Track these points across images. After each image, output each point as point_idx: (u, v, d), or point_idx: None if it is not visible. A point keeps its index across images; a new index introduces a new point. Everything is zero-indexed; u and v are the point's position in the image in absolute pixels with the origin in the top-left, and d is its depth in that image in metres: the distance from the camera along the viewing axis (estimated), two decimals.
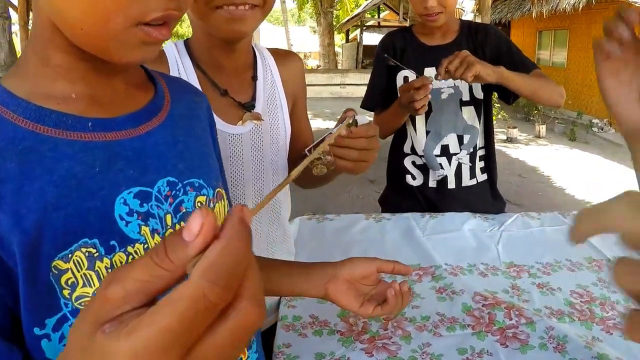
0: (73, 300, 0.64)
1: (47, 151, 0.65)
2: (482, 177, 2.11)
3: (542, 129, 10.81)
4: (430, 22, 1.91)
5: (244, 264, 0.36)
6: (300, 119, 1.48)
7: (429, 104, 1.91)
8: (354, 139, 1.01)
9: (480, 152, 2.08)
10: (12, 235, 0.61)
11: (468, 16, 17.42)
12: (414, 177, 2.11)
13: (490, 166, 2.13)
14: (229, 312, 0.35)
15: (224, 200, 0.89)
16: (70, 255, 0.64)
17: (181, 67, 1.25)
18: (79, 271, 0.65)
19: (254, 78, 1.33)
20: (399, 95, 1.89)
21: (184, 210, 0.77)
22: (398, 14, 13.97)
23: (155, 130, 0.77)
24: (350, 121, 0.96)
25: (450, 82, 1.91)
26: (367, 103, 2.17)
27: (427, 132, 2.02)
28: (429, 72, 1.95)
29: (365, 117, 1.04)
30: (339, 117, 1.05)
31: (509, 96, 2.02)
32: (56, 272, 0.63)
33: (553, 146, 9.98)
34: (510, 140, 10.23)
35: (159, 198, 0.73)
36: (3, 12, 3.04)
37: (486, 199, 2.14)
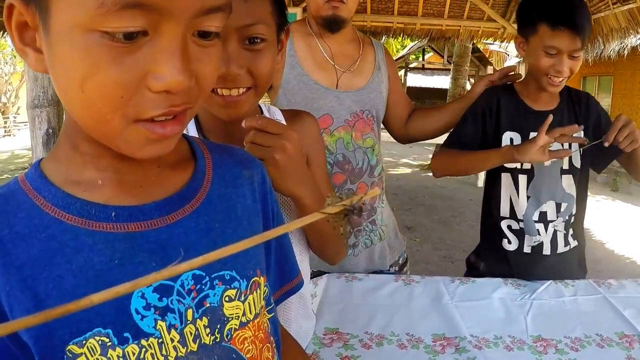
0: None
1: (68, 240, 0.66)
2: (573, 243, 2.09)
3: None
4: (552, 86, 1.89)
5: None
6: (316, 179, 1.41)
7: (532, 168, 1.96)
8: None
9: (572, 220, 2.07)
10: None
11: (512, 60, 17.37)
12: (509, 242, 2.08)
13: (579, 232, 2.11)
14: None
15: (260, 289, 0.82)
16: (84, 342, 0.64)
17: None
18: (92, 356, 0.65)
19: None
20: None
21: (208, 305, 0.73)
22: (442, 56, 14.04)
23: (186, 219, 0.74)
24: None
25: (554, 149, 1.88)
26: (453, 141, 2.10)
27: (528, 198, 2.02)
28: (533, 136, 1.93)
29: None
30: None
31: (602, 165, 2.06)
32: (70, 355, 0.64)
33: (595, 197, 9.77)
34: None
35: (181, 292, 0.71)
36: None
37: (573, 265, 2.12)
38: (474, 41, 10.27)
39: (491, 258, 2.14)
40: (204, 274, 0.73)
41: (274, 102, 1.94)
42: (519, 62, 10.54)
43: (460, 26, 8.00)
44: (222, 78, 1.05)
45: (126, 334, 0.66)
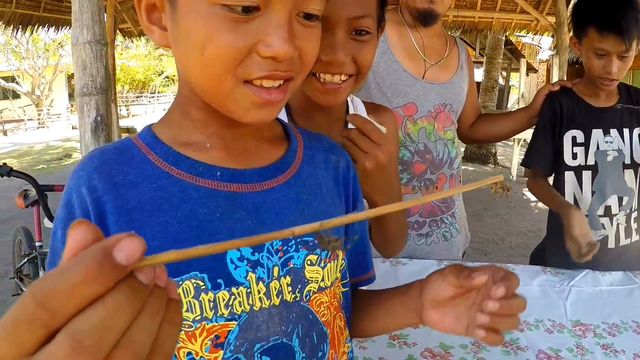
0: None
1: (176, 191, 0.75)
2: (635, 237, 2.13)
3: None
4: (605, 86, 1.97)
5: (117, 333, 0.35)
6: None
7: (596, 164, 2.02)
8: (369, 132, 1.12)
9: (634, 214, 2.11)
10: None
11: (545, 53, 17.14)
12: None
13: None
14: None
15: (337, 260, 0.89)
16: (180, 283, 0.71)
17: None
18: (185, 297, 0.72)
19: None
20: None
21: (291, 266, 0.80)
22: (474, 49, 13.91)
23: (279, 188, 0.82)
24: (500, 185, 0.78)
25: (615, 145, 2.00)
26: (528, 161, 2.19)
27: (593, 193, 2.07)
28: (597, 133, 2.02)
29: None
30: None
31: None
32: None
33: None
34: None
35: (270, 250, 0.78)
36: (101, 38, 3.20)
37: (633, 257, 2.16)
38: (507, 33, 10.19)
39: (557, 253, 2.16)
40: (290, 237, 0.81)
41: (362, 85, 1.99)
42: (551, 56, 10.39)
43: (493, 18, 7.97)
44: (327, 64, 1.11)
45: (219, 280, 0.74)
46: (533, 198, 8.43)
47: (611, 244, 2.08)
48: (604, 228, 2.07)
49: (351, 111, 1.39)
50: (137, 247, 0.35)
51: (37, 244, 3.98)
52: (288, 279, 0.80)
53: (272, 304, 0.78)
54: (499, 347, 1.50)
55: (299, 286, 0.82)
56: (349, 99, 1.40)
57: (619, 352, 1.50)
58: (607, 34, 1.82)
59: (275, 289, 0.79)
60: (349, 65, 1.13)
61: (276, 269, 0.79)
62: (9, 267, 5.15)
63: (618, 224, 2.08)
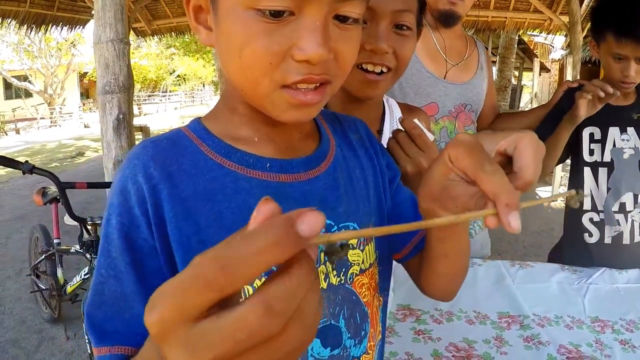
0: None
1: (229, 183, 0.78)
2: None
3: None
4: (625, 89, 2.00)
5: (300, 298, 0.37)
6: None
7: (612, 161, 2.05)
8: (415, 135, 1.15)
9: None
10: (190, 241, 0.74)
11: (557, 53, 17.07)
12: (590, 235, 2.15)
13: None
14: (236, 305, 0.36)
15: (373, 242, 0.93)
16: None
17: None
18: None
19: (380, 132, 1.40)
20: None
21: None
22: (487, 48, 13.88)
23: (322, 176, 0.85)
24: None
25: (632, 142, 2.04)
26: (539, 130, 2.17)
27: (608, 189, 2.09)
28: (613, 131, 2.06)
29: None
30: None
31: None
32: None
33: None
34: None
35: None
36: (124, 37, 3.23)
37: None
38: (520, 33, 10.17)
39: (573, 251, 2.21)
40: (333, 223, 0.85)
41: None
42: (564, 55, 10.37)
43: (506, 17, 7.97)
44: (370, 53, 1.17)
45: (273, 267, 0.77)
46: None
47: (626, 240, 2.10)
48: (619, 224, 2.09)
49: (387, 112, 1.42)
50: (319, 222, 0.36)
51: (55, 241, 3.98)
52: (328, 265, 0.84)
53: (320, 287, 0.81)
54: (521, 342, 1.53)
55: (343, 269, 0.85)
56: (384, 99, 1.43)
57: (637, 348, 1.52)
58: (625, 40, 1.85)
59: (323, 273, 0.82)
60: (390, 57, 1.19)
61: (322, 254, 0.81)
62: (24, 264, 5.21)
63: (633, 221, 2.09)
